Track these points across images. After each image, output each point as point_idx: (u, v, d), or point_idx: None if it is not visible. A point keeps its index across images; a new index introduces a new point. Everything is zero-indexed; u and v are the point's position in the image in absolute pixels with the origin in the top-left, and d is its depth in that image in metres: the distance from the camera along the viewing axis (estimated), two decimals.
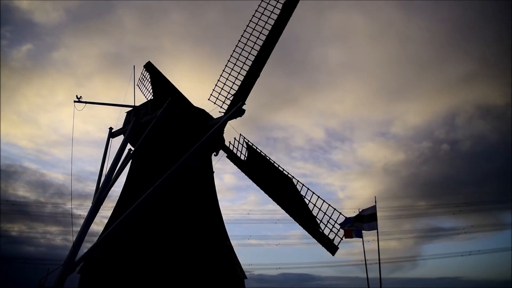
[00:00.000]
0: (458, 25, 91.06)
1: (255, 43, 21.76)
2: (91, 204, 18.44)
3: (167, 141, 20.02)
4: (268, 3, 21.93)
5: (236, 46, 22.13)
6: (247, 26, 22.00)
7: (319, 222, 19.25)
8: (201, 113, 21.69)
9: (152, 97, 23.74)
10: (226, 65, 22.28)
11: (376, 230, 22.63)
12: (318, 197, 19.69)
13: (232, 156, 21.91)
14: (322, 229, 19.17)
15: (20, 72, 79.91)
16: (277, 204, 20.38)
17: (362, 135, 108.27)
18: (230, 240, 20.41)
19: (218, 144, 21.81)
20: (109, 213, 20.29)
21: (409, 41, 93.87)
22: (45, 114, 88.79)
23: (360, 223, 23.00)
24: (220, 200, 21.40)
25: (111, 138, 21.80)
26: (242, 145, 21.75)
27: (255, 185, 21.11)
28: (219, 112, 21.62)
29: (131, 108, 22.13)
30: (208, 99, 22.29)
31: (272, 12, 21.72)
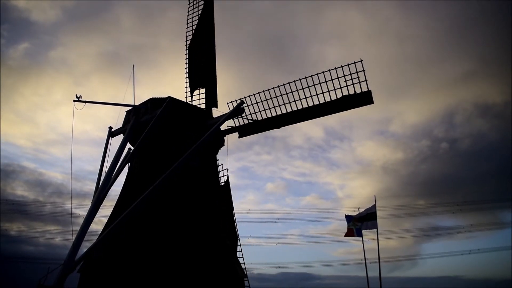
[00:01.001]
0: (457, 23, 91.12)
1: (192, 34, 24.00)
2: (90, 204, 18.47)
3: (167, 140, 20.00)
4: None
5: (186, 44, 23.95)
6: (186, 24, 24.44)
7: (340, 90, 18.30)
8: (201, 112, 21.68)
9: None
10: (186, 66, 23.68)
11: (376, 229, 22.71)
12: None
13: (243, 129, 21.05)
14: (347, 91, 18.24)
15: (17, 71, 79.93)
16: (310, 118, 19.81)
17: (361, 134, 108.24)
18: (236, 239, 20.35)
19: (218, 143, 21.79)
20: (108, 212, 20.33)
21: (408, 39, 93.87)
22: (43, 113, 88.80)
23: (360, 222, 23.08)
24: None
25: (110, 138, 21.80)
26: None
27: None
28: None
29: (130, 108, 22.11)
30: (185, 100, 22.74)
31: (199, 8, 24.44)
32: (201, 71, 23.14)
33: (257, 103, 20.14)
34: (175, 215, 17.88)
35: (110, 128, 22.24)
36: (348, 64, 17.84)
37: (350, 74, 17.93)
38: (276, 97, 19.63)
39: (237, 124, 20.91)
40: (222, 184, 21.64)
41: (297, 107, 19.43)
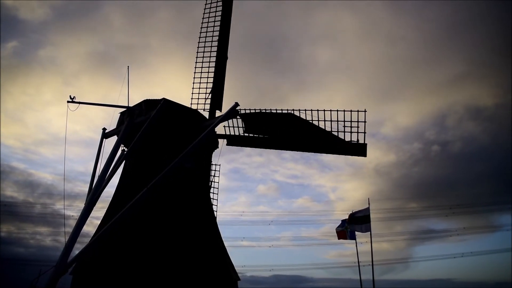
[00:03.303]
0: (448, 25, 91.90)
1: (212, 39, 23.53)
2: (83, 205, 18.36)
3: (161, 142, 19.95)
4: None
5: (198, 46, 23.76)
6: (201, 24, 24.01)
7: (337, 133, 18.51)
8: (195, 114, 21.67)
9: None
10: (195, 67, 23.55)
11: (369, 232, 22.81)
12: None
13: (232, 139, 21.29)
14: (344, 137, 18.48)
15: (5, 70, 78.98)
16: (299, 150, 20.15)
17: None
18: (223, 242, 20.40)
19: (212, 145, 21.80)
20: (99, 214, 20.20)
21: (399, 40, 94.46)
22: (32, 113, 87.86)
23: (353, 224, 23.17)
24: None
25: (104, 139, 21.69)
26: (237, 119, 20.88)
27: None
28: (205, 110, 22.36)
29: (124, 109, 22.02)
30: (191, 104, 22.87)
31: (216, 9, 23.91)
32: (212, 73, 23.31)
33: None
34: (169, 216, 17.85)
35: (104, 129, 22.12)
36: (351, 111, 18.00)
37: (351, 121, 18.10)
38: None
39: (230, 129, 21.04)
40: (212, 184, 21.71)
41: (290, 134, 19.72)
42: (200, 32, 24.09)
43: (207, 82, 23.19)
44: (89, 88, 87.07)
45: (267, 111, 19.66)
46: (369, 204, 23.61)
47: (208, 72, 23.30)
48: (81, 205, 18.38)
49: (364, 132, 18.02)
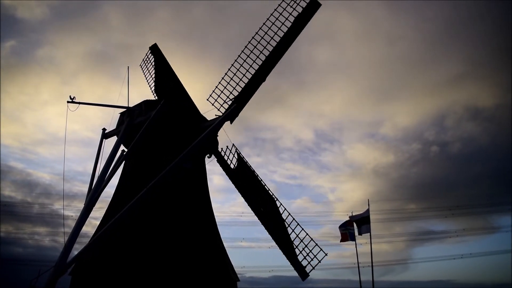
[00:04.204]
0: (447, 25, 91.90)
1: (265, 47, 20.56)
2: (82, 205, 18.36)
3: (161, 142, 19.94)
4: (284, 9, 20.65)
5: (245, 47, 20.90)
6: (260, 28, 20.71)
7: (295, 247, 19.14)
8: (195, 115, 21.65)
9: (153, 82, 23.65)
10: (230, 67, 21.19)
11: (369, 233, 22.82)
12: (298, 224, 19.57)
13: (222, 162, 22.02)
14: (297, 254, 19.08)
15: (3, 69, 78.82)
16: (258, 219, 20.55)
17: (351, 136, 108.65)
18: (222, 242, 20.39)
19: (212, 146, 21.79)
20: (98, 214, 20.18)
21: (398, 40, 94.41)
22: (30, 112, 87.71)
23: (354, 226, 23.18)
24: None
25: (104, 139, 21.68)
26: (233, 155, 21.78)
27: None
28: (215, 115, 21.18)
29: (124, 109, 22.02)
30: (207, 99, 21.51)
31: (287, 19, 20.48)
32: (243, 83, 20.97)
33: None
34: (168, 217, 17.83)
35: (104, 129, 22.12)
36: (317, 245, 18.84)
37: (310, 250, 18.81)
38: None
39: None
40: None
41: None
42: (256, 33, 20.77)
43: (233, 89, 20.96)
44: (87, 87, 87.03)
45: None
46: (369, 205, 23.63)
47: (241, 80, 20.90)
48: (79, 205, 18.44)
49: (313, 268, 18.74)
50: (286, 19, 20.54)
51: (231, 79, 21.17)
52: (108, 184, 19.11)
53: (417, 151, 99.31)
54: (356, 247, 23.51)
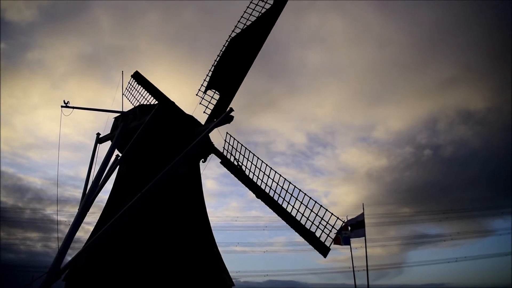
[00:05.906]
0: (439, 28, 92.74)
1: (244, 40, 21.43)
2: (75, 210, 18.29)
3: (155, 147, 19.92)
4: (256, 4, 21.80)
5: (226, 41, 22.02)
6: (235, 26, 21.83)
7: (310, 224, 18.96)
8: (190, 120, 21.66)
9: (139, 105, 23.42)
10: (216, 59, 22.12)
11: (364, 237, 22.87)
12: (310, 198, 19.50)
13: (226, 162, 21.67)
14: (314, 230, 18.89)
15: None
16: (274, 211, 20.46)
17: (343, 140, 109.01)
18: (217, 247, 20.35)
19: (206, 150, 21.79)
20: (91, 219, 20.05)
21: (389, 44, 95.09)
22: (19, 116, 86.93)
23: (348, 230, 23.22)
24: None
25: (98, 144, 21.61)
26: (236, 149, 21.35)
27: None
28: (203, 112, 21.78)
29: (118, 114, 21.96)
30: (196, 94, 22.34)
31: (260, 12, 21.55)
32: (229, 73, 21.71)
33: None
34: (163, 222, 17.79)
35: (98, 134, 22.07)
36: (332, 214, 18.65)
37: (327, 221, 18.61)
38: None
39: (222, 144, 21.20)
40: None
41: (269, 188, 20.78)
42: (232, 31, 21.99)
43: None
44: (77, 91, 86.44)
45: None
46: (363, 209, 23.69)
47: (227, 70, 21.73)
48: (71, 210, 18.39)
49: (333, 239, 18.77)
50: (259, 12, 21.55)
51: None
52: (102, 189, 19.06)
53: (410, 155, 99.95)
54: (351, 251, 23.56)
